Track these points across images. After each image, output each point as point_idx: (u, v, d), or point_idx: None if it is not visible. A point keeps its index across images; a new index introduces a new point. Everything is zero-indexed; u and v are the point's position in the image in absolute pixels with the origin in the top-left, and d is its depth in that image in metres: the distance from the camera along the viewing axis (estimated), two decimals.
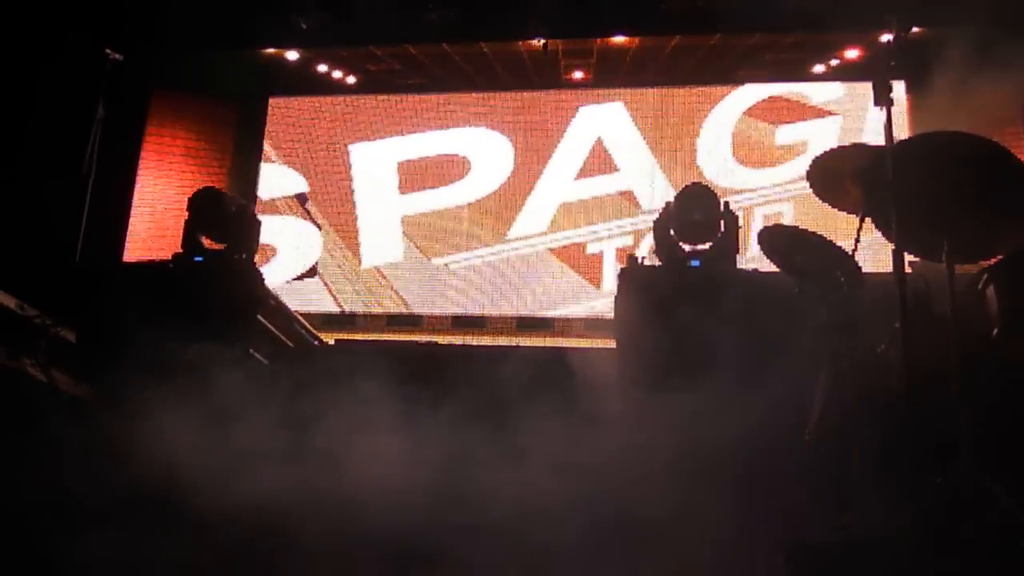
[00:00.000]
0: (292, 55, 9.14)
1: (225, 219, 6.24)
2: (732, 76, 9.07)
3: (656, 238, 5.81)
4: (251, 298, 5.75)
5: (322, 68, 9.49)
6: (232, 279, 5.91)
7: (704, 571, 2.94)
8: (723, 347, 4.40)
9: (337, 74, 9.59)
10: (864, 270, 3.64)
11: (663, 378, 4.55)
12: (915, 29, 7.38)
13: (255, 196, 9.78)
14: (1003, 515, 2.73)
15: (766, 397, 3.99)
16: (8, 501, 3.46)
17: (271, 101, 10.03)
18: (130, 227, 9.06)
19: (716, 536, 3.08)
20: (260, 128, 10.01)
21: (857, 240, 3.54)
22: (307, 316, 6.96)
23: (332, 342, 7.01)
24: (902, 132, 6.80)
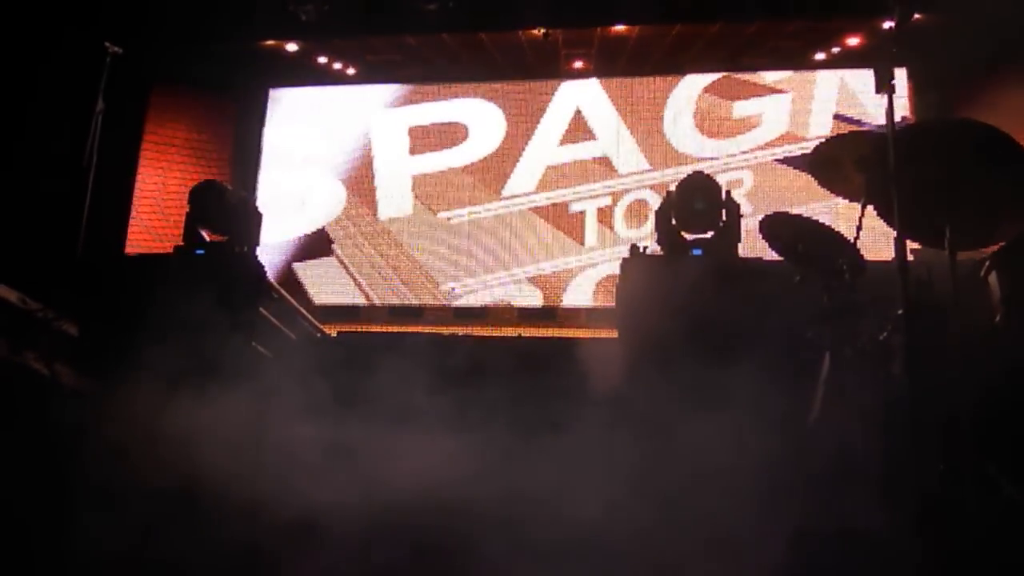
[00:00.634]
0: (291, 47, 9.14)
1: (226, 212, 6.24)
2: (733, 64, 9.06)
3: (658, 227, 5.80)
4: (253, 291, 5.75)
5: (322, 59, 9.48)
6: (234, 272, 5.92)
7: (705, 560, 2.94)
8: (725, 335, 4.40)
9: (337, 65, 9.59)
10: (866, 257, 3.63)
11: (665, 367, 4.55)
12: (916, 16, 7.36)
13: (256, 188, 9.80)
14: (1005, 501, 2.73)
15: (767, 386, 3.99)
16: (11, 495, 3.46)
17: (271, 93, 10.06)
18: (131, 220, 9.07)
19: (717, 525, 3.08)
20: (260, 120, 10.02)
21: (859, 228, 3.53)
22: (311, 310, 6.96)
23: (335, 334, 7.02)
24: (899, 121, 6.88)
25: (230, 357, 4.67)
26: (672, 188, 5.73)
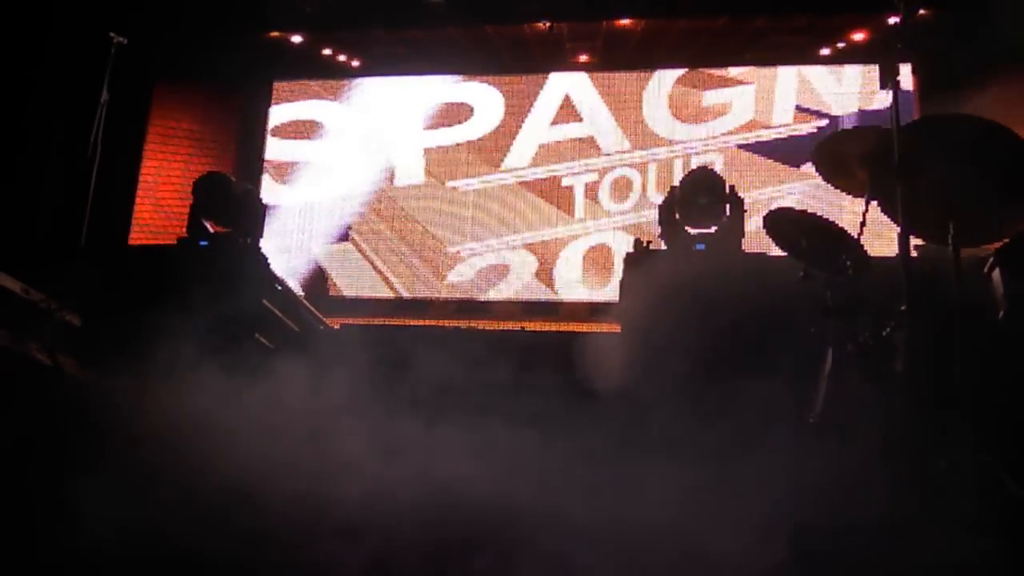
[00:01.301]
0: (296, 39, 9.14)
1: (230, 204, 6.25)
2: (738, 59, 9.06)
3: (661, 222, 5.80)
4: (257, 282, 5.75)
5: (326, 51, 9.48)
6: (237, 263, 5.92)
7: (705, 555, 2.94)
8: (729, 331, 4.40)
9: (341, 57, 9.59)
10: (870, 253, 3.62)
11: (669, 362, 4.55)
12: (922, 12, 7.36)
13: (260, 180, 9.82)
14: (1007, 498, 2.73)
15: (771, 380, 3.99)
16: (13, 490, 3.47)
17: (275, 85, 10.07)
18: (135, 211, 9.07)
19: (718, 520, 3.08)
20: (265, 112, 10.03)
21: (863, 223, 3.51)
22: (315, 303, 6.97)
23: (337, 327, 7.02)
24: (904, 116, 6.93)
25: (233, 348, 4.68)
26: (676, 184, 5.74)
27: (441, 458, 3.86)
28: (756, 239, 5.96)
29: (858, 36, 8.52)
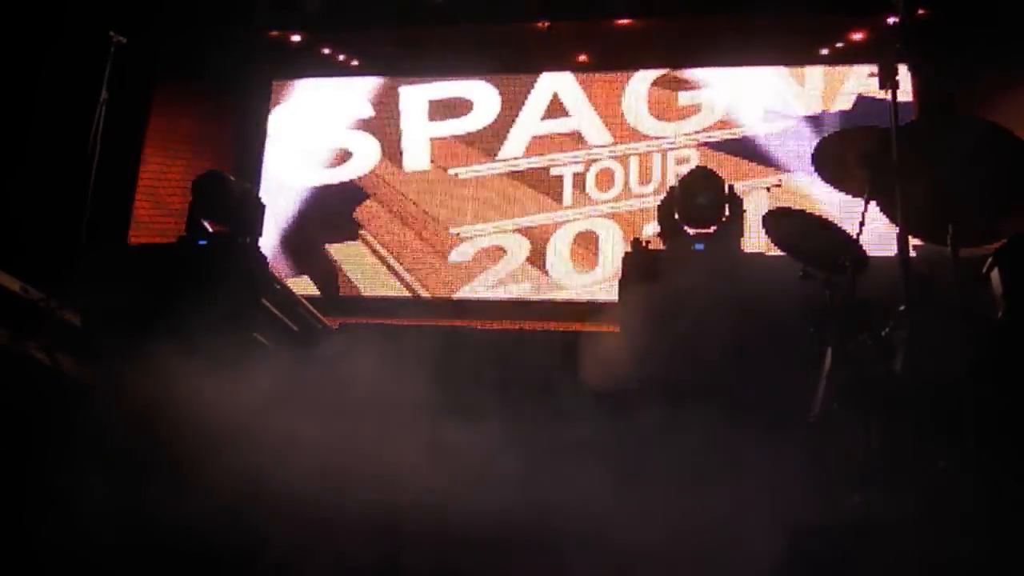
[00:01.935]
0: (295, 38, 9.14)
1: (229, 203, 6.24)
2: (737, 59, 9.06)
3: (660, 222, 5.79)
4: (255, 282, 5.75)
5: (325, 51, 9.48)
6: (237, 263, 5.91)
7: (705, 555, 2.94)
8: (728, 330, 4.40)
9: (341, 57, 9.59)
10: (869, 253, 3.62)
11: (668, 362, 4.56)
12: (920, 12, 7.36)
13: (259, 179, 9.81)
14: (1007, 498, 2.73)
15: (770, 380, 3.99)
16: (12, 490, 3.47)
17: (274, 84, 10.07)
18: (135, 210, 9.06)
19: (717, 519, 3.08)
20: (264, 112, 10.03)
21: (862, 223, 3.51)
22: (313, 301, 6.97)
23: (336, 326, 7.02)
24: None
25: (231, 347, 4.67)
26: (675, 183, 5.73)
27: (441, 458, 3.86)
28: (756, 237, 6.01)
29: (858, 36, 8.52)
